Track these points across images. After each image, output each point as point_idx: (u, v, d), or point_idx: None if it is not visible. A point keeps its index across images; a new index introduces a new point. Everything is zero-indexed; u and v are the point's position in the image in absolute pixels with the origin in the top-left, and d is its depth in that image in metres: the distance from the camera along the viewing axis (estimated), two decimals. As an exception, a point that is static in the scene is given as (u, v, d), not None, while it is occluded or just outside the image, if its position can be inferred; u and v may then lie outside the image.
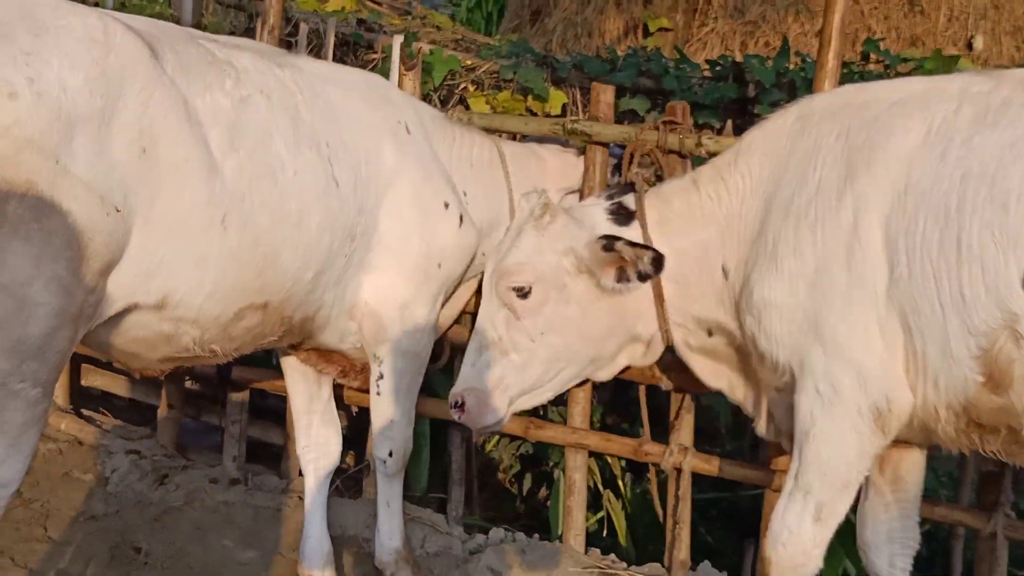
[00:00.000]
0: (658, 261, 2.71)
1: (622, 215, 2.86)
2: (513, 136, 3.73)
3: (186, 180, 2.34)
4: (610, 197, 2.95)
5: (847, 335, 2.36)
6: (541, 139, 3.61)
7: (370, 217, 2.88)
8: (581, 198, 3.40)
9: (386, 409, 3.10)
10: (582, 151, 3.47)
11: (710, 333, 2.82)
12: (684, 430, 3.37)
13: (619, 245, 2.71)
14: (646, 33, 7.94)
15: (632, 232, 2.81)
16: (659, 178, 3.36)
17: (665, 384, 3.32)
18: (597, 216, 2.89)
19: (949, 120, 2.32)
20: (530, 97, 5.09)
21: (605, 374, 3.03)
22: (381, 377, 3.05)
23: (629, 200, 2.90)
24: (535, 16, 8.76)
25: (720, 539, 4.15)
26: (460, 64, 5.21)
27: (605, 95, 3.44)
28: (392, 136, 2.99)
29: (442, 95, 5.22)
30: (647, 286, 2.78)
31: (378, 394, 3.08)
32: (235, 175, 2.44)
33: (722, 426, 4.53)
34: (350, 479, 3.82)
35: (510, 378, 2.84)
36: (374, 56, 5.40)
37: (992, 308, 2.15)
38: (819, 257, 2.41)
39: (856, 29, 7.57)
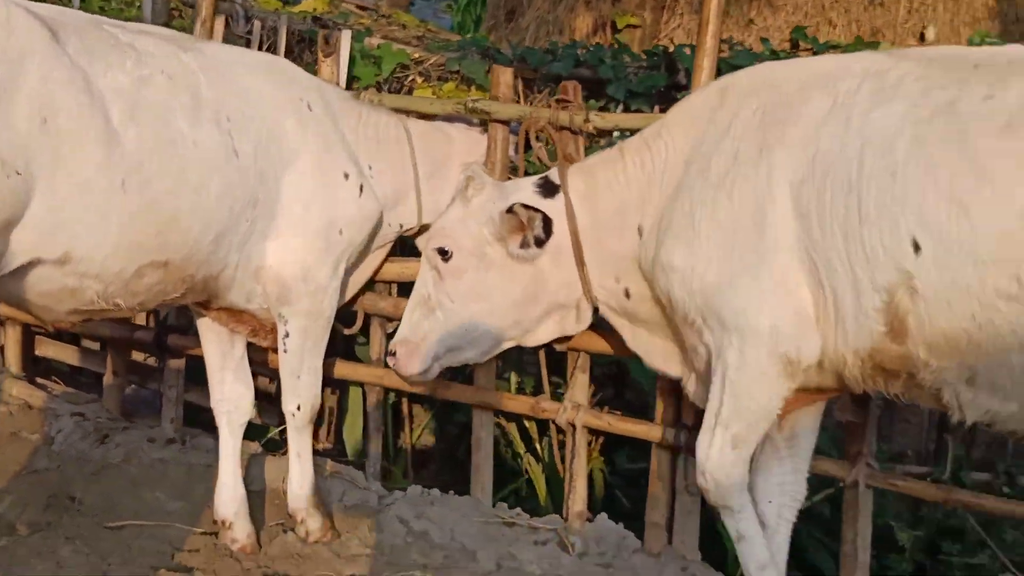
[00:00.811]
0: (547, 223, 2.96)
1: (547, 188, 3.09)
2: (424, 116, 3.96)
3: (86, 148, 2.61)
4: (544, 179, 3.18)
5: (761, 289, 2.59)
6: (448, 118, 3.84)
7: (272, 186, 3.13)
8: (487, 171, 3.65)
9: (293, 366, 3.35)
10: (487, 128, 3.71)
11: (627, 295, 3.03)
12: (578, 388, 3.59)
13: (516, 207, 2.94)
14: (615, 30, 8.14)
15: (555, 203, 3.04)
16: (552, 154, 3.60)
17: (559, 345, 3.54)
18: (524, 189, 3.12)
19: (851, 95, 2.53)
20: (473, 87, 5.32)
21: (532, 340, 3.25)
22: (287, 336, 3.30)
23: (555, 174, 3.14)
24: (510, 15, 9.00)
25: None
26: (408, 57, 5.45)
27: (504, 76, 3.69)
28: (295, 112, 3.24)
29: (392, 86, 5.46)
30: (569, 254, 3.00)
31: (285, 352, 3.33)
32: (135, 145, 2.71)
33: (649, 396, 4.73)
34: (274, 437, 4.07)
35: (434, 334, 3.13)
36: (332, 47, 5.65)
37: (890, 267, 2.37)
38: (736, 219, 2.63)
39: (817, 22, 7.73)
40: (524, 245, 2.99)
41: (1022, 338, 2.26)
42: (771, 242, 2.57)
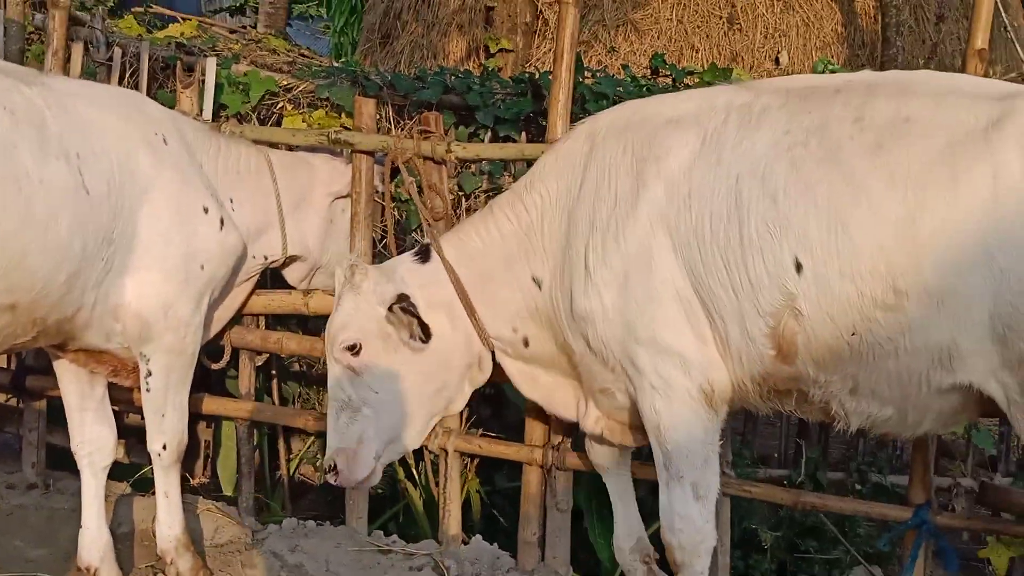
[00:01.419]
0: (424, 327, 2.94)
1: (423, 255, 3.07)
2: (288, 148, 3.97)
3: None
4: (420, 247, 3.16)
5: (661, 331, 2.62)
6: (313, 148, 3.86)
7: (127, 222, 3.08)
8: (352, 201, 3.69)
9: (157, 405, 3.29)
10: (351, 157, 3.75)
11: (526, 343, 3.03)
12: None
13: (394, 310, 2.91)
14: (488, 54, 8.30)
15: (432, 267, 3.01)
16: (418, 186, 3.66)
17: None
18: (403, 263, 3.08)
19: (719, 129, 2.62)
20: (343, 114, 5.34)
21: (458, 405, 3.18)
22: (149, 375, 3.25)
23: (430, 242, 3.12)
24: (385, 39, 9.07)
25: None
26: (277, 84, 5.43)
27: (367, 107, 3.74)
28: (147, 146, 3.20)
29: (260, 113, 5.42)
30: (462, 309, 3.00)
31: (148, 391, 3.28)
32: None
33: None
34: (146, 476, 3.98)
35: (369, 432, 2.96)
36: (191, 79, 5.58)
37: (774, 291, 2.45)
38: (625, 263, 2.65)
39: (681, 47, 8.09)
40: (412, 338, 2.97)
41: (897, 345, 2.39)
42: (661, 280, 2.61)
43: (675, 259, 2.61)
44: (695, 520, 2.72)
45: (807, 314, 2.44)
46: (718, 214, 2.54)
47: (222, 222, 3.31)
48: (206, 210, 3.28)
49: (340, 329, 2.98)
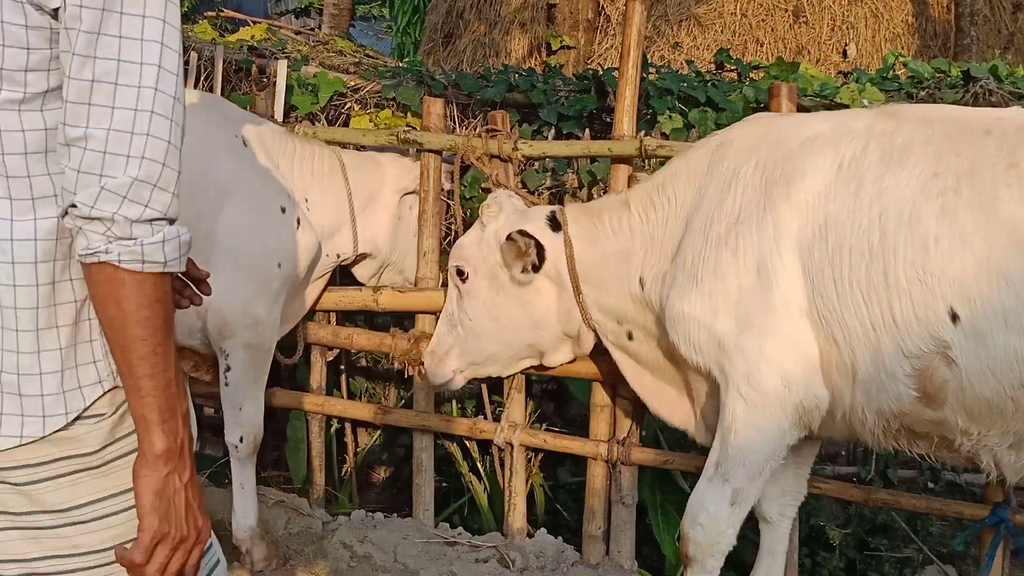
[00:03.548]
0: (540, 249, 3.03)
1: (554, 222, 3.14)
2: (357, 147, 4.05)
3: None
4: (552, 212, 3.21)
5: (768, 346, 2.58)
6: (382, 148, 3.94)
7: (210, 223, 3.20)
8: (420, 200, 3.76)
9: (234, 399, 3.40)
10: (419, 156, 3.81)
11: (630, 337, 3.07)
12: (514, 408, 3.69)
13: (513, 234, 3.02)
14: (550, 51, 8.32)
15: (556, 237, 3.09)
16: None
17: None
18: (536, 220, 3.16)
19: (859, 158, 2.54)
20: (409, 113, 5.42)
21: (551, 361, 3.29)
22: (228, 369, 3.36)
23: (565, 210, 3.19)
24: (447, 39, 9.14)
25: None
26: (344, 85, 5.53)
27: (435, 107, 3.80)
28: (228, 149, 3.31)
29: (329, 114, 5.53)
30: (569, 293, 3.07)
31: (226, 385, 3.39)
32: None
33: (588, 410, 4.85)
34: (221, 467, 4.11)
35: (455, 348, 3.22)
36: (265, 80, 5.71)
37: (925, 336, 2.36)
38: (741, 279, 2.61)
39: (745, 40, 7.99)
40: (524, 270, 3.08)
41: None
42: (779, 298, 2.56)
43: (802, 281, 2.55)
44: (721, 522, 2.70)
45: (962, 365, 2.33)
46: (859, 250, 2.45)
47: (298, 222, 3.41)
48: (283, 210, 3.37)
49: (457, 252, 3.20)
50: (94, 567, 1.53)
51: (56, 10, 1.34)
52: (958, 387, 2.37)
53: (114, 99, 1.34)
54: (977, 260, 2.31)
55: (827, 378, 2.59)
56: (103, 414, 1.51)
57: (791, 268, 2.55)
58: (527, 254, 3.03)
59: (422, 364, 3.31)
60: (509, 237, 3.03)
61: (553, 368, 3.35)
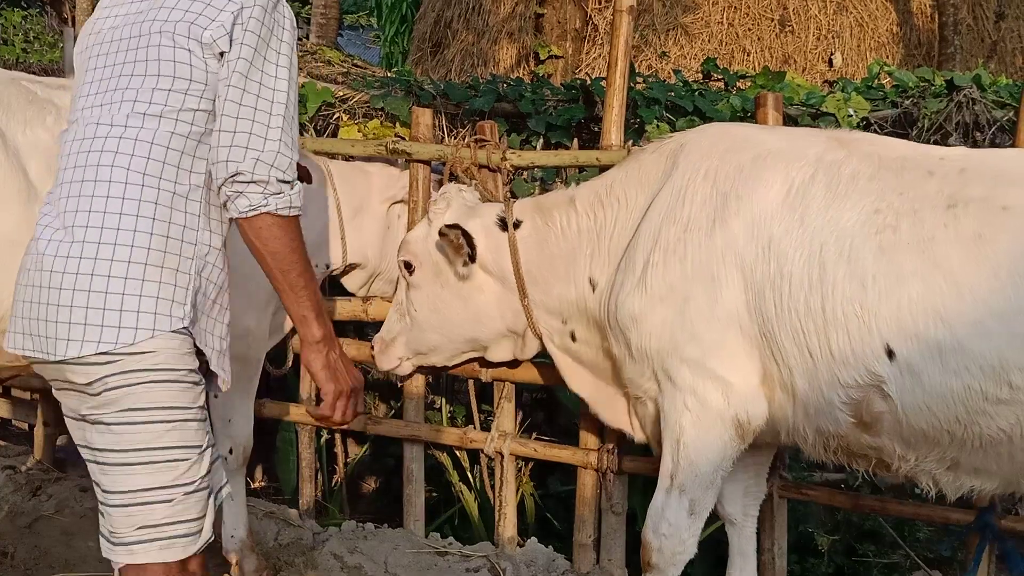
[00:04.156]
0: (469, 239, 3.05)
1: (504, 222, 3.16)
2: (345, 158, 4.05)
3: (5, 203, 2.67)
4: (501, 215, 3.22)
5: (712, 356, 2.61)
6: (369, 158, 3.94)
7: None
8: (409, 209, 3.77)
9: (223, 410, 3.39)
10: (407, 165, 3.82)
11: (573, 338, 3.10)
12: (505, 417, 3.70)
13: (443, 228, 3.07)
14: (538, 61, 8.36)
15: (503, 237, 3.12)
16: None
17: (484, 376, 3.66)
18: (486, 217, 3.18)
19: (806, 185, 2.56)
20: (398, 123, 5.43)
21: (492, 356, 3.33)
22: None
23: (518, 208, 3.21)
24: (435, 48, 9.18)
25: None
26: (333, 95, 5.54)
27: (424, 118, 3.81)
28: None
29: (317, 124, 5.54)
30: (514, 294, 3.10)
31: (215, 397, 3.36)
32: None
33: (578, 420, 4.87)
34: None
35: (401, 336, 3.31)
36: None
37: (861, 369, 2.38)
38: (687, 287, 2.64)
39: (732, 50, 8.05)
40: (464, 264, 3.11)
41: (1013, 433, 2.29)
42: (723, 311, 2.59)
43: (744, 297, 2.58)
44: (682, 532, 2.75)
45: (898, 400, 2.37)
46: (799, 280, 2.47)
47: None
48: None
49: (404, 245, 3.29)
50: None
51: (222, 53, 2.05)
52: (894, 419, 2.39)
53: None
54: (913, 299, 2.32)
55: (771, 394, 2.62)
56: None
57: (736, 282, 2.58)
58: (460, 246, 3.07)
59: (372, 347, 3.40)
60: (440, 232, 3.07)
61: (496, 363, 3.40)
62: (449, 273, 3.16)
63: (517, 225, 3.14)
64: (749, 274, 2.57)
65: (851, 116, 4.38)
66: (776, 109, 3.39)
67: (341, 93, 5.66)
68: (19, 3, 11.42)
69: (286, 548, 3.71)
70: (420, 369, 3.44)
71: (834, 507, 3.62)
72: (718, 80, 5.57)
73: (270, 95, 2.04)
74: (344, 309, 3.86)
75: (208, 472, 2.09)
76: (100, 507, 2.09)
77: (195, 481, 2.05)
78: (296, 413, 3.96)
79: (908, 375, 2.33)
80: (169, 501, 2.01)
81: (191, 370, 2.07)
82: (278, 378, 4.02)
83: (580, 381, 3.19)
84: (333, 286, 4.09)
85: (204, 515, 2.08)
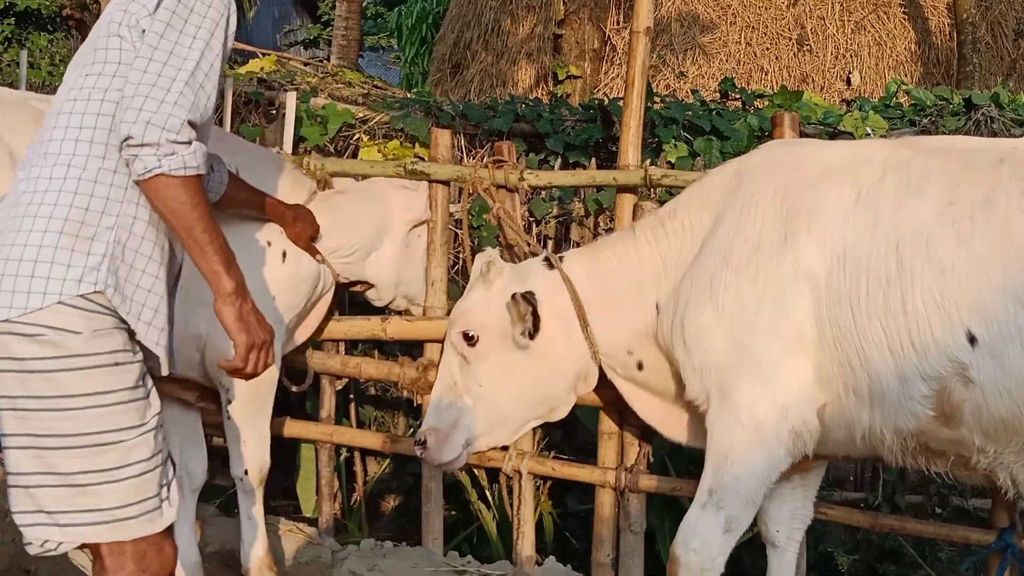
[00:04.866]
0: (536, 321, 3.01)
1: (547, 260, 3.15)
2: (362, 178, 4.09)
3: None
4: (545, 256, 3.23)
5: (776, 374, 2.62)
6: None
7: None
8: (429, 229, 3.80)
9: (237, 432, 3.40)
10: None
11: (640, 367, 3.06)
12: (522, 436, 3.70)
13: (516, 296, 3.01)
14: (556, 81, 8.42)
15: (554, 276, 3.09)
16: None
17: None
18: (536, 267, 3.16)
19: (876, 187, 2.58)
20: (417, 143, 5.49)
21: (561, 413, 3.27)
22: (229, 403, 3.36)
23: (561, 255, 3.22)
24: (455, 69, 9.26)
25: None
26: (353, 116, 5.62)
27: (443, 139, 3.85)
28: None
29: (337, 145, 5.61)
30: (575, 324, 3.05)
31: (228, 419, 3.39)
32: None
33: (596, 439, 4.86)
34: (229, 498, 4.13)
35: (465, 420, 3.10)
36: (274, 112, 5.79)
37: (943, 358, 2.42)
38: (757, 305, 2.64)
39: (750, 69, 8.07)
40: (523, 334, 3.05)
41: None
42: (791, 327, 2.60)
43: (814, 311, 2.59)
44: (713, 548, 2.71)
45: (979, 385, 2.39)
46: (876, 278, 2.50)
47: (284, 255, 3.39)
48: (269, 244, 3.36)
49: (462, 316, 3.10)
50: None
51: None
52: (974, 406, 2.42)
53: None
54: (993, 284, 2.36)
55: (840, 402, 2.61)
56: None
57: (806, 297, 2.59)
58: (524, 319, 3.01)
59: (423, 445, 3.13)
60: (512, 297, 3.01)
61: (558, 418, 3.29)
62: (518, 334, 3.05)
63: (562, 259, 3.14)
64: (823, 286, 2.58)
65: (869, 135, 4.39)
66: (793, 129, 3.40)
67: (361, 114, 5.73)
68: (45, 27, 11.63)
69: (305, 566, 3.72)
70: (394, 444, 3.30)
71: (854, 527, 3.60)
72: (736, 100, 5.60)
73: (178, 63, 2.07)
74: (363, 328, 3.89)
75: (156, 453, 2.12)
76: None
77: (138, 462, 2.08)
78: (316, 431, 3.99)
79: (990, 359, 2.36)
80: (113, 482, 2.05)
81: (113, 351, 2.07)
82: (298, 397, 4.06)
83: (647, 408, 3.16)
84: (352, 303, 4.13)
85: (156, 495, 2.12)
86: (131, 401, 2.10)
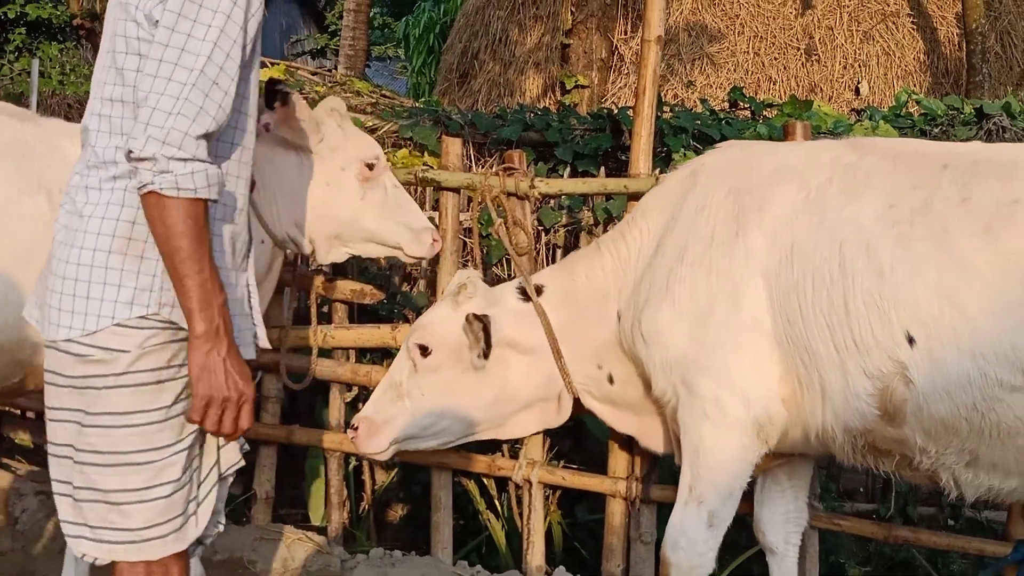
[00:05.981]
0: (488, 340, 3.02)
1: (525, 292, 3.16)
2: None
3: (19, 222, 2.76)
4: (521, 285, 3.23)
5: (735, 366, 2.66)
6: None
7: None
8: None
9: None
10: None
11: (611, 380, 3.09)
12: (532, 445, 3.70)
13: (468, 317, 3.03)
14: (564, 91, 8.43)
15: (528, 308, 3.11)
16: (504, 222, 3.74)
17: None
18: (509, 296, 3.18)
19: (823, 189, 2.64)
20: (426, 152, 5.49)
21: (506, 434, 3.29)
22: None
23: (536, 277, 3.22)
24: (462, 78, 9.27)
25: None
26: (362, 125, 5.61)
27: (454, 147, 3.85)
28: None
29: (346, 154, 5.61)
30: (547, 351, 3.08)
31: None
32: None
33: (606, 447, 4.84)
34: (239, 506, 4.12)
35: (398, 420, 3.14)
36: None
37: (884, 357, 2.45)
38: (712, 300, 2.70)
39: (758, 79, 8.07)
40: (479, 356, 3.06)
41: None
42: (747, 320, 2.65)
43: (768, 304, 2.64)
44: (700, 545, 2.75)
45: (918, 385, 2.42)
46: (821, 276, 2.55)
47: None
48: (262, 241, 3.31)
49: (422, 328, 3.15)
50: None
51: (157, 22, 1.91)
52: (915, 406, 2.45)
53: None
54: (929, 286, 2.40)
55: (800, 398, 2.65)
56: None
57: (760, 291, 2.65)
58: (479, 338, 3.03)
59: (355, 430, 3.16)
60: (467, 318, 3.03)
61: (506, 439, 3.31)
62: (472, 356, 3.08)
63: (539, 291, 3.14)
64: (774, 282, 2.63)
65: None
66: (805, 138, 3.40)
67: (370, 123, 5.74)
68: (56, 37, 11.69)
69: (314, 575, 3.71)
70: (403, 453, 3.31)
71: (866, 538, 3.58)
72: (745, 109, 5.59)
73: (189, 61, 1.88)
74: (373, 336, 3.88)
75: (187, 470, 2.02)
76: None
77: (167, 483, 2.00)
78: (326, 440, 3.97)
79: (928, 360, 2.39)
80: (142, 502, 1.98)
81: (157, 369, 1.97)
82: (304, 404, 4.04)
83: (625, 422, 3.19)
84: (362, 313, 4.13)
85: (182, 513, 2.02)
86: (166, 420, 2.00)
